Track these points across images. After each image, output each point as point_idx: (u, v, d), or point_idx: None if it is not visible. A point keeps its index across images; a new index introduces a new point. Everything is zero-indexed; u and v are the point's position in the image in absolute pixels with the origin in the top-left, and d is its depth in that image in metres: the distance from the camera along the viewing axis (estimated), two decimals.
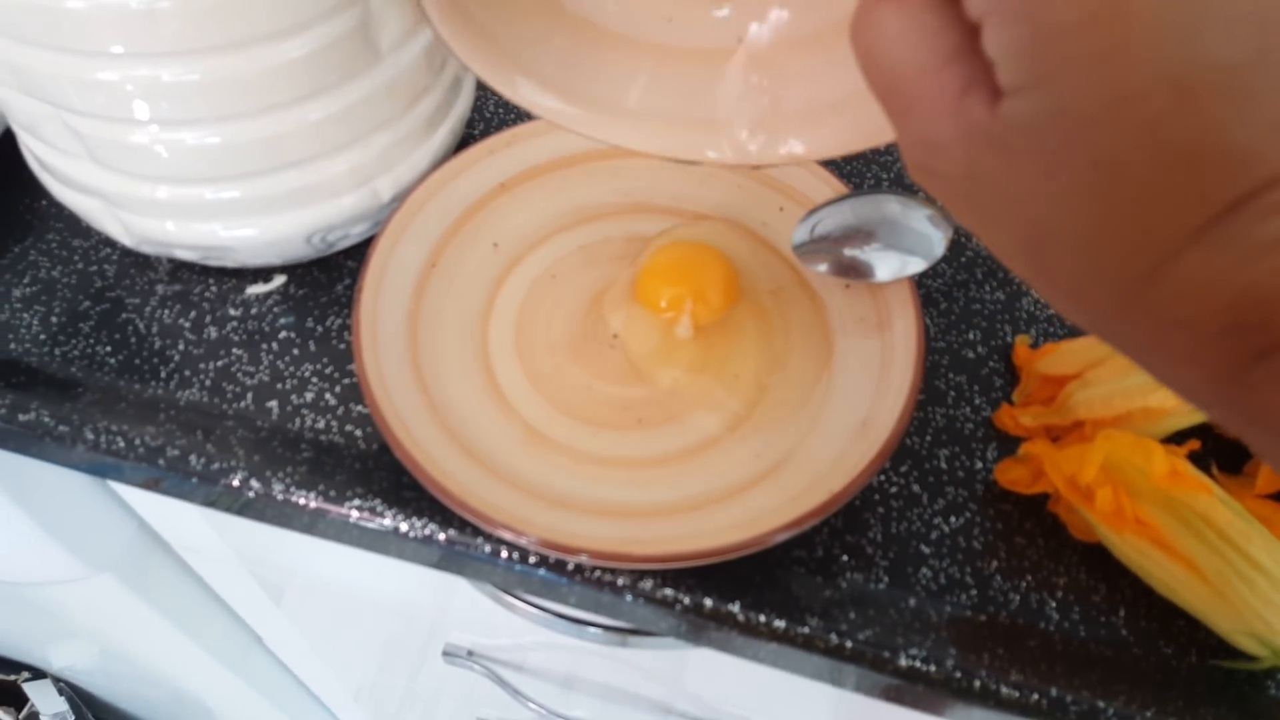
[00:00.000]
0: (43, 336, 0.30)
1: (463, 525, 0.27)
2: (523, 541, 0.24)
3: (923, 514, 0.28)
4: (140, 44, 0.25)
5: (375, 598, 0.43)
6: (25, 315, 0.31)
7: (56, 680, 0.66)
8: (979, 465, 0.29)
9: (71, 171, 0.29)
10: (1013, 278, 0.33)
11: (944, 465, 0.29)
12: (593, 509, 0.26)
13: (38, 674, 0.66)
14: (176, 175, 0.28)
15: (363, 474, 0.27)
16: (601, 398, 0.29)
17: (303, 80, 0.27)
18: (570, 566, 0.26)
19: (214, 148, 0.27)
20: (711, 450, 0.28)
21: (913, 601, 0.26)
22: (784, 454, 0.27)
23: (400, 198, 0.31)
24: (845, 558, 0.27)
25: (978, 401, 0.30)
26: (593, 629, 0.34)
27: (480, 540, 0.26)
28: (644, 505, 0.26)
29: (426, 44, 0.30)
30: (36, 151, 0.30)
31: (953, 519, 0.28)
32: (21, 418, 0.29)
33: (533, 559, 0.26)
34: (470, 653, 0.44)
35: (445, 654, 0.44)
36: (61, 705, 0.65)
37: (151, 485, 0.29)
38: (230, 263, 0.31)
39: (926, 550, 0.27)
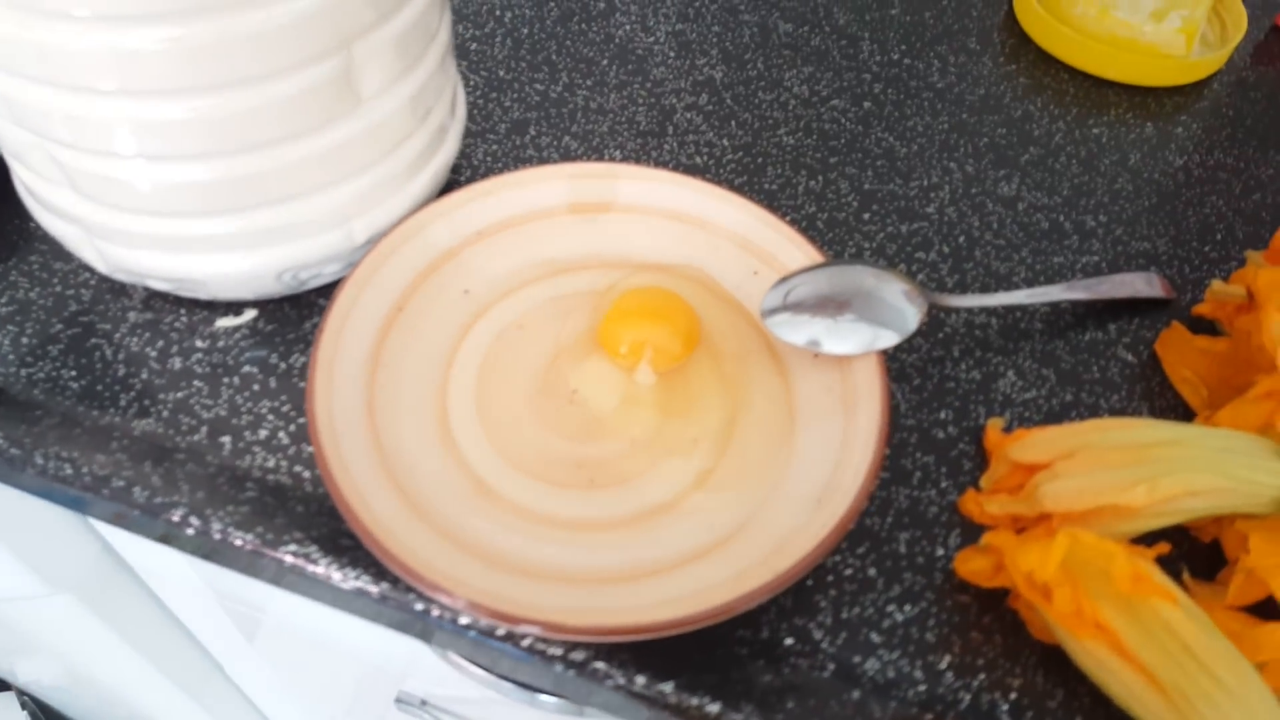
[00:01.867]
0: (11, 357, 0.31)
1: (395, 580, 0.26)
2: (454, 603, 0.23)
3: (876, 600, 0.27)
4: (128, 81, 0.25)
5: (328, 636, 0.42)
6: None
7: (21, 693, 0.65)
8: (940, 552, 0.28)
9: (53, 198, 0.29)
10: (990, 358, 0.33)
11: (903, 549, 0.28)
12: (532, 572, 0.25)
13: (2, 686, 0.65)
14: (155, 208, 0.28)
15: (304, 518, 0.27)
16: (555, 454, 0.28)
17: (284, 122, 0.27)
18: (501, 632, 0.25)
19: (193, 183, 0.27)
20: (663, 517, 0.27)
21: (856, 694, 0.25)
22: (736, 526, 0.27)
23: (375, 240, 0.31)
24: (790, 640, 0.26)
25: (944, 484, 0.29)
26: (544, 696, 0.33)
27: (411, 597, 0.26)
28: (588, 571, 0.26)
29: (412, 92, 0.30)
30: (22, 176, 0.30)
31: (907, 607, 0.26)
32: None
33: (464, 620, 0.26)
34: (424, 702, 0.43)
35: (398, 701, 0.43)
36: (24, 719, 0.64)
37: (96, 513, 0.29)
38: (203, 295, 0.32)
39: (877, 639, 0.26)
